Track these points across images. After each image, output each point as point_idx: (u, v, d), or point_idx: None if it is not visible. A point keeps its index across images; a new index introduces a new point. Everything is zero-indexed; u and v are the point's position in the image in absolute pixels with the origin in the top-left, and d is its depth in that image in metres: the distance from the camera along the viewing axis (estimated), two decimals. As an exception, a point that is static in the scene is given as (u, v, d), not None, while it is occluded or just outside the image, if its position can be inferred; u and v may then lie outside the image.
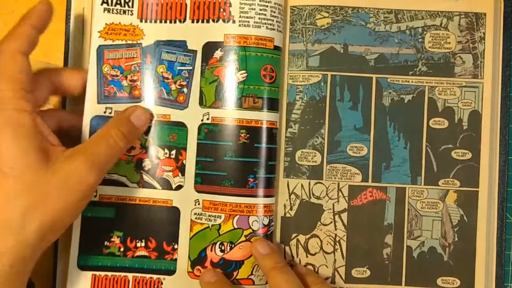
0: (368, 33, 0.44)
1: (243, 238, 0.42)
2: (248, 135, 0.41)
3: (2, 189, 0.32)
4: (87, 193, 0.35)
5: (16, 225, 0.32)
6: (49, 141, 0.36)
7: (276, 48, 0.42)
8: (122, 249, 0.42)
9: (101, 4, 0.43)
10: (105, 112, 0.42)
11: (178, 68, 0.43)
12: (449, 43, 0.44)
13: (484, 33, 0.44)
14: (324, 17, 0.44)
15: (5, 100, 0.34)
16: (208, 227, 0.42)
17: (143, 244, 0.42)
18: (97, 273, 0.42)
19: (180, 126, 0.43)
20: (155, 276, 0.42)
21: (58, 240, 0.43)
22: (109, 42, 0.43)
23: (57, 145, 0.36)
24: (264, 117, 0.42)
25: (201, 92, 0.42)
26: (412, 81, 0.44)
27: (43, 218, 0.33)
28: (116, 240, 0.42)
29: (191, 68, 0.43)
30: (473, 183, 0.43)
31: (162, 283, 0.42)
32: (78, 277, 0.42)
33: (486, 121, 0.43)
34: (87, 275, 0.42)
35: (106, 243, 0.42)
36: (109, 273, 0.42)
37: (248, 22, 0.42)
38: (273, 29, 0.42)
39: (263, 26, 0.42)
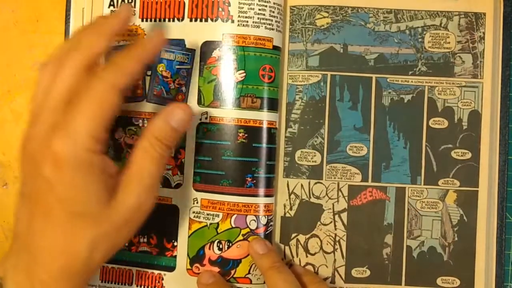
0: (367, 33, 0.44)
1: (240, 237, 0.42)
2: (246, 135, 0.41)
3: (72, 226, 0.33)
4: (149, 212, 0.36)
5: (83, 255, 0.33)
6: (112, 175, 0.35)
7: (275, 48, 0.42)
8: (126, 243, 0.42)
9: (108, 7, 0.44)
10: None
11: (177, 67, 0.43)
12: (449, 43, 0.44)
13: (483, 33, 0.44)
14: (324, 17, 0.44)
15: (80, 136, 0.33)
16: (206, 225, 0.42)
17: (145, 240, 0.43)
18: (105, 264, 0.43)
19: None
20: (156, 272, 0.43)
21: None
22: (114, 44, 0.43)
23: (114, 172, 0.36)
24: (262, 117, 0.42)
25: (199, 91, 0.43)
26: (411, 81, 0.44)
27: (109, 249, 0.34)
28: None
29: (189, 67, 0.43)
30: (473, 183, 0.43)
31: (163, 279, 0.43)
32: None
33: (486, 121, 0.43)
34: None
35: None
36: (115, 266, 0.44)
37: (247, 22, 0.42)
38: (272, 29, 0.42)
39: (262, 26, 0.42)
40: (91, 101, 0.33)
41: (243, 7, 0.42)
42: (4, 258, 0.35)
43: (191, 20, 0.43)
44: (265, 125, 0.42)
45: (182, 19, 0.43)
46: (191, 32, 0.43)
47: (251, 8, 0.42)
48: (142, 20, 0.44)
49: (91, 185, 0.33)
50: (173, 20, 0.43)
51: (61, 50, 0.36)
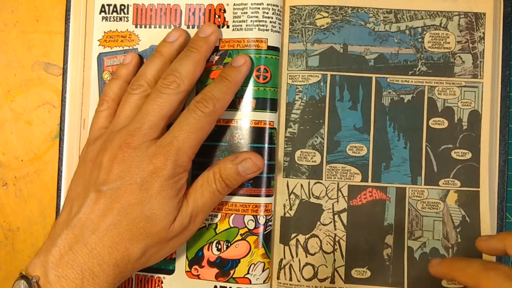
0: (367, 33, 0.44)
1: (239, 237, 0.42)
2: (242, 135, 0.42)
3: (138, 231, 0.36)
4: (193, 233, 0.41)
5: (135, 256, 0.37)
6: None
7: (272, 48, 0.42)
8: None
9: (100, 13, 0.44)
10: None
11: None
12: (449, 43, 0.44)
13: (483, 33, 0.43)
14: (324, 17, 0.44)
15: (181, 156, 0.37)
16: (205, 226, 0.42)
17: None
18: None
19: None
20: (155, 275, 0.43)
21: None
22: (107, 49, 0.44)
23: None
24: (259, 117, 0.42)
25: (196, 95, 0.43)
26: (411, 81, 0.44)
27: (153, 257, 0.38)
28: None
29: None
30: (473, 183, 0.43)
31: (162, 282, 0.43)
32: None
33: (486, 121, 0.43)
34: None
35: None
36: None
37: (241, 26, 0.42)
38: (267, 30, 0.42)
39: (255, 28, 0.42)
40: (192, 131, 0.38)
41: (237, 12, 0.43)
42: (42, 255, 0.36)
43: (188, 27, 0.43)
44: (261, 125, 0.42)
45: (179, 26, 0.44)
46: (188, 38, 0.43)
47: (244, 13, 0.42)
48: (136, 27, 0.44)
49: (171, 200, 0.37)
50: (169, 27, 0.44)
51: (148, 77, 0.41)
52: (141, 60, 0.43)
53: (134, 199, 0.36)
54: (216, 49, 0.43)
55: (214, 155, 0.42)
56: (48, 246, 0.36)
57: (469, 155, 0.43)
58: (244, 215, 0.42)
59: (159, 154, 0.37)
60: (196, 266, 0.42)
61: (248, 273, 0.42)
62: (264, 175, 0.42)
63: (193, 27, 0.44)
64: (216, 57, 0.43)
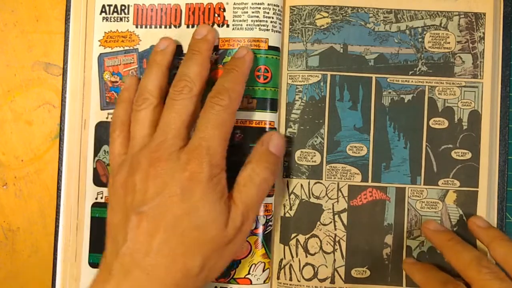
0: (367, 33, 0.44)
1: None
2: (242, 135, 0.42)
3: (192, 244, 0.35)
4: (248, 234, 0.40)
5: (195, 272, 0.35)
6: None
7: (272, 48, 0.42)
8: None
9: (100, 14, 0.44)
10: (107, 118, 0.44)
11: (174, 72, 0.43)
12: (449, 43, 0.44)
13: (483, 33, 0.43)
14: (324, 17, 0.44)
15: (214, 156, 0.36)
16: None
17: None
18: None
19: None
20: None
21: (58, 237, 0.45)
22: (108, 50, 0.44)
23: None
24: (259, 117, 0.42)
25: None
26: (412, 81, 0.44)
27: (212, 268, 0.37)
28: None
29: None
30: (473, 183, 0.43)
31: None
32: (89, 274, 0.44)
33: (486, 121, 0.43)
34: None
35: None
36: None
37: (241, 25, 0.42)
38: (267, 30, 0.42)
39: (256, 27, 0.42)
40: (216, 126, 0.37)
41: (237, 12, 0.42)
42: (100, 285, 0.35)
43: (188, 27, 0.43)
44: (263, 125, 0.42)
45: (179, 26, 0.44)
46: (187, 38, 0.43)
47: (244, 12, 0.42)
48: (137, 27, 0.44)
49: (217, 204, 0.36)
50: (170, 27, 0.44)
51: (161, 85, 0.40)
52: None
53: (178, 211, 0.35)
54: (215, 48, 0.43)
55: None
56: (102, 278, 0.35)
57: (469, 155, 0.43)
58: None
59: (192, 159, 0.36)
60: None
61: (248, 273, 0.42)
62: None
63: (192, 27, 0.43)
64: (216, 56, 0.43)
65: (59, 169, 0.45)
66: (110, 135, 0.41)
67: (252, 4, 0.42)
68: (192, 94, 0.38)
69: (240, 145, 0.42)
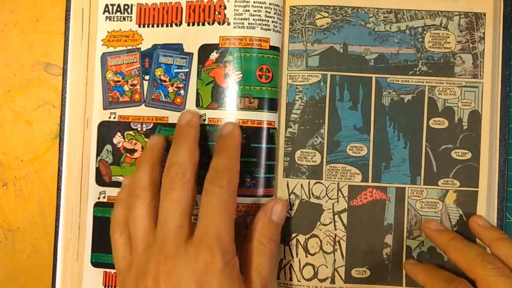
0: (367, 33, 0.44)
1: (241, 238, 0.42)
2: (244, 135, 0.42)
3: None
4: None
5: None
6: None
7: (273, 48, 0.42)
8: None
9: (103, 13, 0.44)
10: (109, 118, 0.44)
11: (175, 70, 0.43)
12: (449, 43, 0.44)
13: (483, 33, 0.43)
14: (324, 17, 0.44)
15: (225, 243, 0.35)
16: None
17: None
18: (108, 270, 0.44)
19: None
20: None
21: (59, 237, 0.45)
22: (111, 49, 0.44)
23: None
24: (260, 117, 0.42)
25: (197, 94, 0.43)
26: (412, 81, 0.44)
27: None
28: None
29: (187, 70, 0.43)
30: (472, 183, 0.43)
31: None
32: (92, 273, 0.44)
33: (486, 121, 0.43)
34: (99, 272, 0.44)
35: None
36: None
37: (243, 23, 0.42)
38: (269, 29, 0.42)
39: (258, 27, 0.42)
40: (220, 210, 0.36)
41: (238, 9, 0.42)
42: None
43: (188, 25, 0.43)
44: (263, 125, 0.42)
45: (180, 24, 0.43)
46: (189, 36, 0.43)
47: (246, 10, 0.42)
48: (140, 26, 0.44)
49: None
50: (171, 25, 0.44)
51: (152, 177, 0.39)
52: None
53: None
54: (216, 47, 0.43)
55: None
56: None
57: (469, 155, 0.43)
58: (246, 216, 0.42)
59: (202, 249, 0.34)
60: None
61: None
62: (264, 175, 0.42)
63: (193, 25, 0.43)
64: (216, 55, 0.43)
65: (59, 169, 0.45)
66: (111, 236, 0.40)
67: (254, 2, 0.42)
68: (186, 179, 0.37)
69: (242, 145, 0.42)
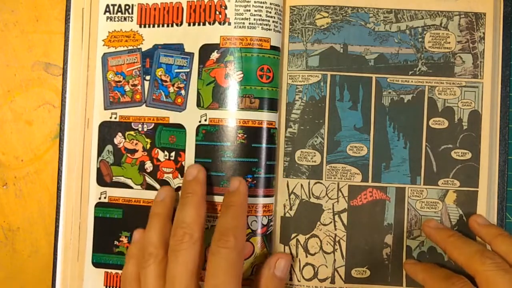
0: (367, 33, 0.44)
1: None
2: (245, 135, 0.42)
3: None
4: None
5: None
6: None
7: (273, 48, 0.42)
8: None
9: (104, 13, 0.44)
10: (111, 118, 0.44)
11: (176, 71, 0.43)
12: (449, 43, 0.44)
13: (484, 33, 0.43)
14: (324, 17, 0.44)
15: None
16: (208, 227, 0.42)
17: None
18: (109, 270, 0.44)
19: (179, 128, 0.43)
20: None
21: (59, 237, 0.45)
22: (112, 49, 0.44)
23: None
24: (261, 117, 0.42)
25: (198, 94, 0.43)
26: (412, 81, 0.44)
27: None
28: (124, 240, 0.44)
29: (188, 70, 0.43)
30: (472, 183, 0.43)
31: None
32: (93, 273, 0.45)
33: (486, 121, 0.43)
34: (100, 272, 0.44)
35: (115, 242, 0.44)
36: (119, 271, 0.44)
37: (243, 23, 0.42)
38: (269, 29, 0.42)
39: (259, 26, 0.42)
40: (228, 271, 0.36)
41: (239, 9, 0.42)
42: None
43: (189, 25, 0.43)
44: (264, 125, 0.42)
45: (181, 24, 0.43)
46: (189, 36, 0.43)
47: (247, 10, 0.42)
48: (140, 26, 0.44)
49: None
50: (172, 25, 0.44)
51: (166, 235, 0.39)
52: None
53: None
54: (216, 47, 0.43)
55: (218, 155, 0.42)
56: None
57: (469, 155, 0.43)
58: (248, 216, 0.42)
59: None
60: None
61: (251, 274, 0.42)
62: (265, 175, 0.42)
63: (194, 25, 0.43)
64: (217, 55, 0.43)
65: (59, 169, 0.45)
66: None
67: (255, 2, 0.42)
68: (193, 240, 0.37)
69: (242, 145, 0.42)
